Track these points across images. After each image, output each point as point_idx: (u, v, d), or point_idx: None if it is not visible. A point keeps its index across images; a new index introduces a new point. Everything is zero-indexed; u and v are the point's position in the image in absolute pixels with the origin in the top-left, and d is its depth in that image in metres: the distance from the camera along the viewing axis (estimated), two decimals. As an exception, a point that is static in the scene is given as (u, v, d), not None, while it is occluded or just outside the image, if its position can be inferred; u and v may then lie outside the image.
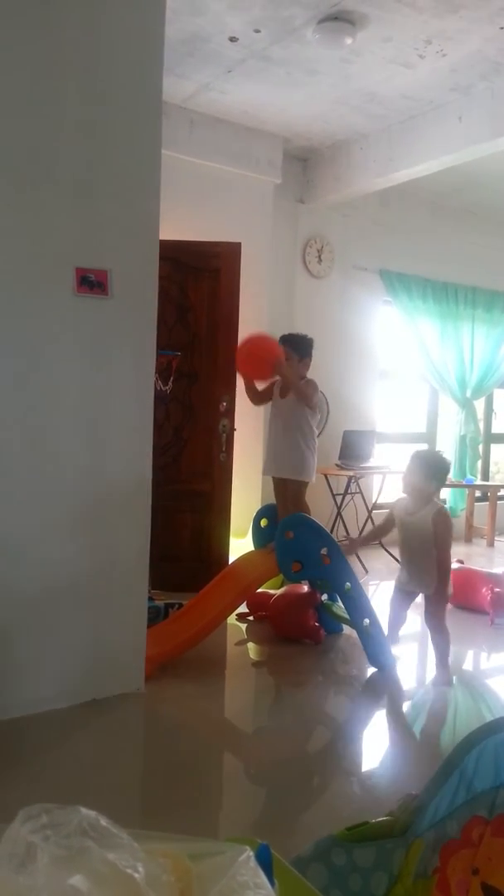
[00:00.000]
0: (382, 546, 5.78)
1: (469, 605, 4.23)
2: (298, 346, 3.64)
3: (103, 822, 0.65)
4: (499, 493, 6.66)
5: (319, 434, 5.44)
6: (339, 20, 3.65)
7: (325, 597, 3.74)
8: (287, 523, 3.43)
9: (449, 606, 4.02)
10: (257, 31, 3.80)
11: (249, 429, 4.79)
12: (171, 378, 3.95)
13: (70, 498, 2.66)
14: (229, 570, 3.72)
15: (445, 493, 6.64)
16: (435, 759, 2.39)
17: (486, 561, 5.74)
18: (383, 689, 3.09)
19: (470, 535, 6.67)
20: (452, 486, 6.46)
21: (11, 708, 2.53)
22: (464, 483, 6.46)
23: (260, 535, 3.86)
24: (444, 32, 3.74)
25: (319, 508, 4.85)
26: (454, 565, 4.46)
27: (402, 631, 3.51)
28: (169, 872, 0.64)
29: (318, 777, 2.41)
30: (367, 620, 3.29)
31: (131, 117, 2.72)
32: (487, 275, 6.81)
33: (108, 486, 2.74)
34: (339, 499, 5.65)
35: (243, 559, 3.77)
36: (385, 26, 3.70)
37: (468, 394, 6.73)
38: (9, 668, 2.54)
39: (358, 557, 5.29)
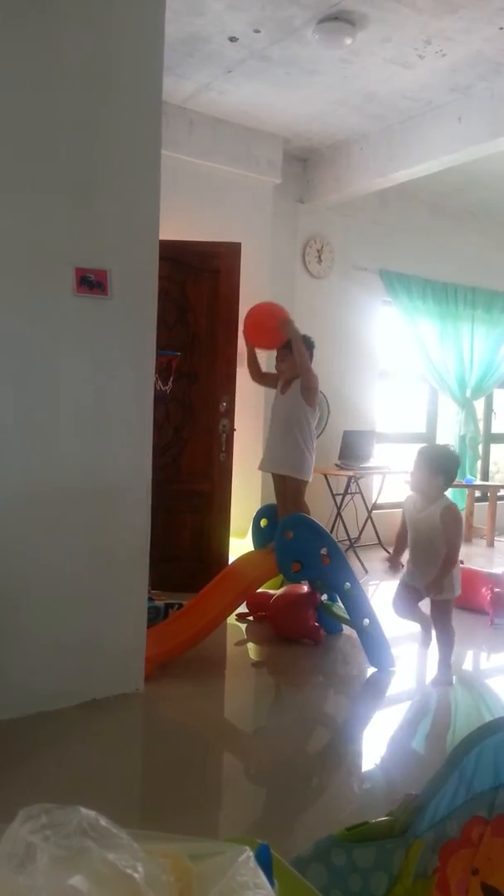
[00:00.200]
0: (382, 546, 5.78)
1: (469, 606, 4.22)
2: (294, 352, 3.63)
3: (103, 822, 0.65)
4: (498, 493, 6.66)
5: (320, 434, 5.47)
6: (339, 20, 3.65)
7: (324, 597, 3.74)
8: (287, 523, 3.43)
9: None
10: (257, 31, 3.80)
11: (249, 429, 4.79)
12: (171, 378, 3.95)
13: (69, 498, 2.66)
14: (229, 571, 3.72)
15: (446, 494, 6.63)
16: (435, 759, 2.39)
17: (485, 561, 5.74)
18: (383, 689, 3.08)
19: (470, 535, 6.67)
20: (453, 486, 6.45)
21: (11, 708, 2.53)
22: (463, 483, 6.46)
23: (260, 535, 3.86)
24: (444, 33, 3.74)
25: (319, 508, 4.85)
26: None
27: (405, 630, 3.52)
28: (169, 872, 0.65)
29: (317, 777, 2.41)
30: (366, 620, 3.29)
31: (131, 117, 2.72)
32: (487, 275, 6.82)
33: (107, 486, 2.74)
34: (338, 499, 5.65)
35: (243, 559, 3.77)
36: (385, 26, 3.70)
37: (468, 394, 6.73)
38: (8, 668, 2.54)
39: (358, 557, 5.29)
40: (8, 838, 0.63)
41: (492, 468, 7.52)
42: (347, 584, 3.30)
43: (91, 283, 2.64)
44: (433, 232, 6.42)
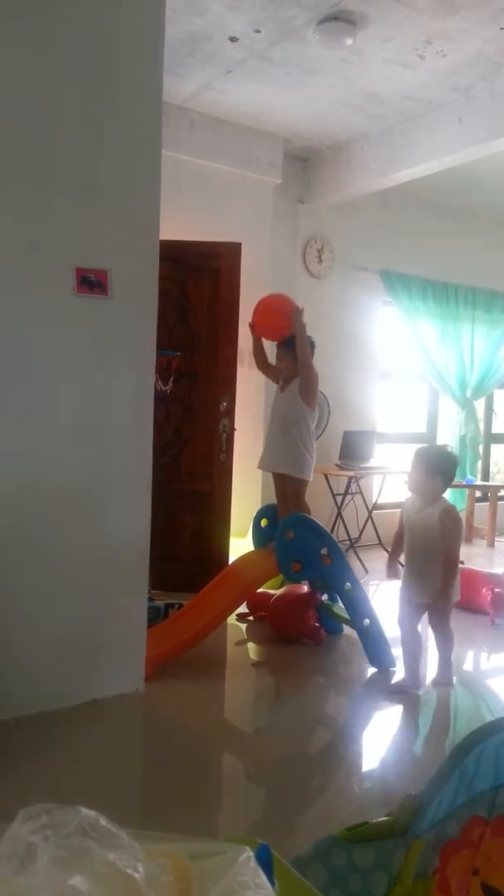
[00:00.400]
0: (382, 546, 5.78)
1: (469, 606, 4.22)
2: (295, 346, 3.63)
3: (103, 822, 0.65)
4: (499, 494, 6.66)
5: (320, 435, 5.47)
6: (340, 20, 3.65)
7: (325, 597, 3.74)
8: (287, 523, 3.43)
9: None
10: (257, 31, 3.80)
11: (249, 429, 4.79)
12: (171, 378, 3.95)
13: (70, 497, 2.66)
14: (229, 571, 3.72)
15: (446, 494, 6.62)
16: (435, 759, 2.39)
17: (486, 561, 5.74)
18: (383, 689, 3.08)
19: (470, 535, 6.67)
20: (453, 486, 6.45)
21: (11, 708, 2.53)
22: (464, 483, 6.46)
23: (260, 535, 3.86)
24: (445, 33, 3.74)
25: (319, 509, 4.85)
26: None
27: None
28: (169, 872, 0.64)
29: (318, 777, 2.41)
30: (367, 621, 3.29)
31: (132, 117, 2.72)
32: (488, 275, 6.81)
33: (107, 487, 2.74)
34: (339, 499, 5.65)
35: (243, 559, 3.77)
36: (385, 27, 3.70)
37: (468, 394, 6.73)
38: (8, 668, 2.54)
39: (358, 557, 5.29)
40: (8, 838, 0.63)
41: (492, 468, 7.52)
42: (348, 584, 3.30)
43: (91, 283, 2.64)
44: (434, 232, 6.42)
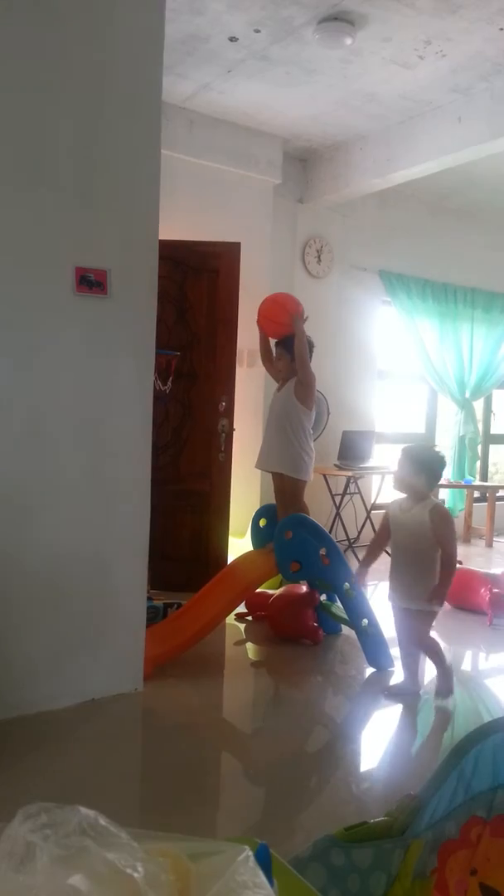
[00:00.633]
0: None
1: (467, 606, 4.23)
2: (292, 347, 3.63)
3: (102, 821, 0.65)
4: (497, 494, 6.67)
5: (319, 435, 5.47)
6: (339, 20, 3.65)
7: (323, 597, 3.74)
8: (286, 523, 3.44)
9: (448, 606, 3.99)
10: (257, 31, 3.80)
11: (248, 429, 4.79)
12: (171, 378, 3.95)
13: (69, 498, 2.66)
14: (228, 570, 3.72)
15: (444, 494, 6.64)
16: (433, 759, 2.39)
17: (484, 561, 5.74)
18: (382, 689, 3.08)
19: (468, 535, 6.68)
20: (451, 486, 6.47)
21: (10, 707, 2.53)
22: (462, 483, 6.47)
23: (259, 535, 3.86)
24: (444, 33, 3.74)
25: (318, 509, 4.85)
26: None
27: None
28: (168, 872, 0.65)
29: (316, 777, 2.41)
30: (365, 621, 3.29)
31: (131, 117, 2.72)
32: (486, 275, 6.82)
33: (106, 486, 2.74)
34: (338, 499, 5.65)
35: (242, 559, 3.77)
36: (385, 26, 3.70)
37: (467, 394, 6.73)
38: (7, 668, 2.54)
39: (357, 557, 5.29)
40: (7, 837, 0.63)
41: (490, 469, 7.52)
42: (346, 584, 3.30)
43: (91, 282, 2.64)
44: (433, 232, 6.42)
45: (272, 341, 3.80)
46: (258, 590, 3.73)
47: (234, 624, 3.82)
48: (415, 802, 1.25)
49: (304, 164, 5.63)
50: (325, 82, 4.35)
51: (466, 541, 6.63)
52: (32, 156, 2.53)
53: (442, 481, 6.34)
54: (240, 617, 3.87)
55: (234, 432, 4.36)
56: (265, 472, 3.96)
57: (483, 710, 2.99)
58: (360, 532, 5.78)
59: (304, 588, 3.70)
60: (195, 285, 4.33)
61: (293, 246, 5.66)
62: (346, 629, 3.67)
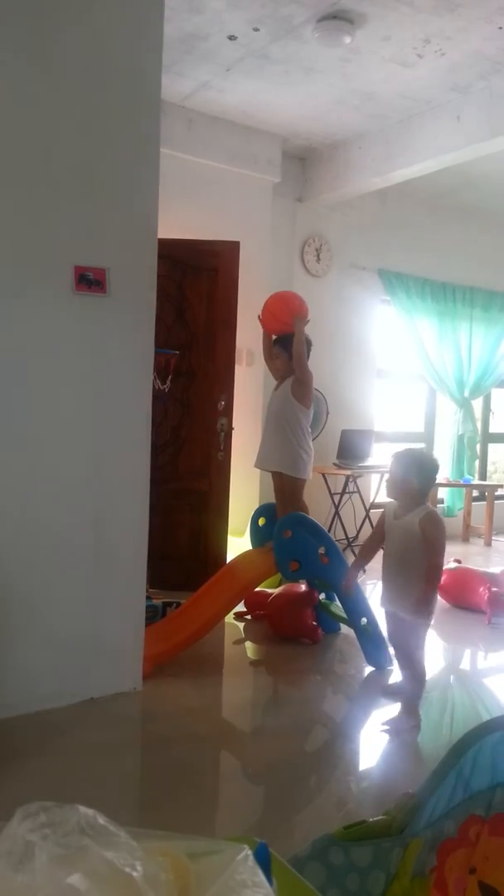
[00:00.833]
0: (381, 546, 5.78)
1: (466, 605, 4.24)
2: (290, 346, 3.62)
3: (101, 820, 0.65)
4: (496, 493, 6.67)
5: (318, 434, 5.47)
6: (338, 19, 3.65)
7: (322, 596, 3.75)
8: (285, 522, 3.44)
9: (447, 606, 4.00)
10: (256, 29, 3.80)
11: (247, 427, 4.79)
12: (169, 377, 3.95)
13: (67, 497, 2.65)
14: (227, 569, 3.72)
15: (443, 493, 6.65)
16: (432, 758, 2.39)
17: (483, 560, 5.75)
18: (381, 688, 3.08)
19: (467, 534, 6.68)
20: (450, 485, 6.48)
21: (9, 707, 2.53)
22: (461, 483, 6.47)
23: (258, 534, 3.86)
24: (443, 32, 3.74)
25: (317, 508, 4.85)
26: (451, 565, 4.48)
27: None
28: (167, 871, 0.65)
29: (315, 776, 2.41)
30: (364, 620, 3.29)
31: (130, 115, 2.72)
32: (486, 274, 6.82)
33: (105, 485, 2.74)
34: (336, 498, 5.65)
35: (241, 558, 3.77)
36: (384, 25, 3.70)
37: (466, 393, 6.73)
38: (7, 667, 2.53)
39: (355, 556, 5.28)
40: (6, 836, 0.63)
41: (489, 468, 7.53)
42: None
43: (90, 281, 2.63)
44: (432, 231, 6.42)
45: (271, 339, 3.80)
46: (257, 589, 3.73)
47: (233, 623, 3.82)
48: (414, 801, 1.25)
49: (304, 162, 5.63)
50: (325, 81, 4.34)
51: (465, 540, 6.64)
52: (31, 154, 2.53)
53: (441, 480, 6.39)
54: (239, 616, 3.87)
55: (233, 431, 4.36)
56: (264, 471, 3.96)
57: (482, 710, 2.99)
58: (359, 531, 5.78)
59: (303, 587, 3.71)
60: (194, 284, 4.33)
61: (292, 245, 5.65)
62: (345, 628, 3.67)
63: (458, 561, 4.56)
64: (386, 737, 2.62)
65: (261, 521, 3.86)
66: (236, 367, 4.36)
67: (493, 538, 6.59)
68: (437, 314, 6.50)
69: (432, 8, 3.53)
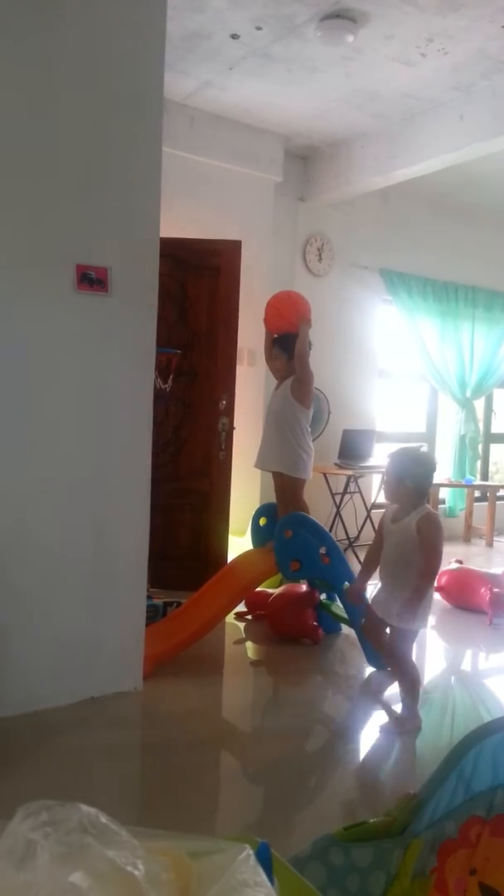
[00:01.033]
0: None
1: (468, 606, 4.23)
2: (290, 347, 3.62)
3: (103, 819, 0.65)
4: (498, 493, 6.66)
5: (319, 434, 5.47)
6: (341, 18, 3.64)
7: (323, 596, 3.74)
8: (286, 522, 3.43)
9: (447, 608, 3.98)
10: (259, 28, 3.79)
11: (249, 427, 4.79)
12: (171, 376, 3.95)
13: (69, 496, 2.65)
14: (228, 569, 3.72)
15: (445, 494, 6.64)
16: (433, 759, 2.39)
17: (484, 561, 5.74)
18: (381, 688, 3.08)
19: (469, 535, 6.68)
20: (452, 485, 6.47)
21: (10, 706, 2.53)
22: (463, 483, 6.47)
23: (259, 534, 3.86)
24: (446, 31, 3.73)
25: (318, 508, 4.85)
26: (452, 565, 4.48)
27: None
28: (169, 870, 0.64)
29: (316, 776, 2.41)
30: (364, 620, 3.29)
31: (132, 114, 2.72)
32: (488, 274, 6.81)
33: (107, 484, 2.74)
34: (338, 498, 5.65)
35: (242, 558, 3.77)
36: (387, 24, 3.69)
37: (468, 393, 6.73)
38: (7, 666, 2.53)
39: (357, 557, 5.29)
40: (8, 835, 0.63)
41: (491, 468, 7.52)
42: (346, 583, 3.30)
43: (92, 280, 2.63)
44: (434, 231, 6.42)
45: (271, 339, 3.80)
46: (258, 589, 3.72)
47: (233, 623, 3.82)
48: (414, 802, 1.25)
49: (306, 161, 5.62)
50: (327, 80, 4.34)
51: (467, 540, 6.64)
52: (33, 152, 2.53)
53: (443, 481, 6.39)
54: (239, 616, 3.87)
55: (235, 431, 4.36)
56: (264, 471, 3.96)
57: (483, 710, 2.99)
58: (360, 531, 5.78)
59: (304, 587, 3.70)
60: (196, 283, 4.33)
61: (294, 244, 5.65)
62: (345, 628, 3.67)
63: (460, 561, 4.56)
64: (386, 737, 2.62)
65: (262, 521, 3.86)
66: (238, 366, 4.36)
67: (495, 539, 6.58)
68: (439, 314, 6.50)
69: (435, 7, 3.52)
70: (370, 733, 2.71)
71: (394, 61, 4.08)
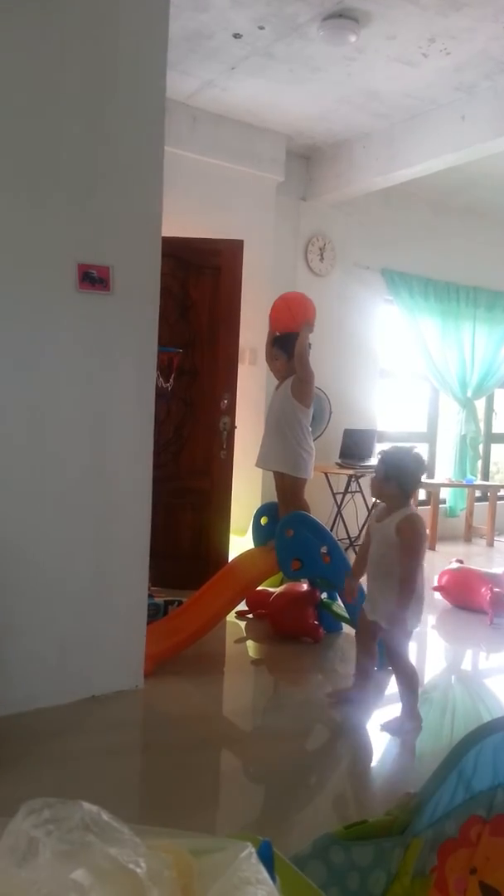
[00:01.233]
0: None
1: (468, 606, 4.23)
2: (288, 346, 3.62)
3: (105, 816, 0.65)
4: (498, 493, 6.67)
5: (321, 433, 5.47)
6: (343, 17, 3.64)
7: (324, 595, 3.74)
8: (287, 521, 3.44)
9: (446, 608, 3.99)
10: (261, 27, 3.79)
11: (250, 426, 4.79)
12: (172, 375, 3.95)
13: (70, 495, 2.66)
14: (229, 568, 3.72)
15: (446, 493, 6.65)
16: (434, 758, 2.39)
17: (485, 561, 5.74)
18: (382, 687, 3.08)
19: (469, 535, 6.68)
20: (452, 485, 6.47)
21: (11, 704, 2.53)
22: (464, 483, 6.47)
23: (260, 533, 3.86)
24: (449, 31, 3.73)
25: (320, 507, 4.85)
26: (453, 565, 4.48)
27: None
28: (171, 868, 0.65)
29: (316, 775, 2.41)
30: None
31: (134, 113, 2.72)
32: (489, 274, 6.81)
33: (108, 483, 2.74)
34: (339, 497, 5.65)
35: (243, 557, 3.77)
36: (389, 24, 3.69)
37: (469, 393, 6.73)
38: (8, 665, 2.54)
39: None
40: (10, 832, 0.63)
41: (492, 468, 7.52)
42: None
43: (93, 279, 2.63)
44: (436, 231, 6.42)
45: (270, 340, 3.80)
46: (259, 588, 3.73)
47: (234, 622, 3.82)
48: (415, 801, 1.25)
49: (308, 161, 5.62)
50: (329, 80, 4.34)
51: (468, 540, 6.64)
52: (35, 152, 2.53)
53: (443, 480, 6.40)
54: (240, 615, 3.87)
55: (236, 430, 4.36)
56: (265, 470, 3.96)
57: (483, 710, 2.99)
58: (361, 530, 5.78)
59: (305, 586, 3.71)
60: (197, 282, 4.33)
61: (296, 244, 5.65)
62: (346, 627, 3.67)
63: (461, 561, 4.56)
64: (387, 737, 2.62)
65: (263, 520, 3.86)
66: (239, 365, 4.36)
67: (496, 539, 6.58)
68: (440, 314, 6.49)
69: (438, 7, 3.52)
70: (371, 733, 2.72)
71: (396, 61, 4.07)
